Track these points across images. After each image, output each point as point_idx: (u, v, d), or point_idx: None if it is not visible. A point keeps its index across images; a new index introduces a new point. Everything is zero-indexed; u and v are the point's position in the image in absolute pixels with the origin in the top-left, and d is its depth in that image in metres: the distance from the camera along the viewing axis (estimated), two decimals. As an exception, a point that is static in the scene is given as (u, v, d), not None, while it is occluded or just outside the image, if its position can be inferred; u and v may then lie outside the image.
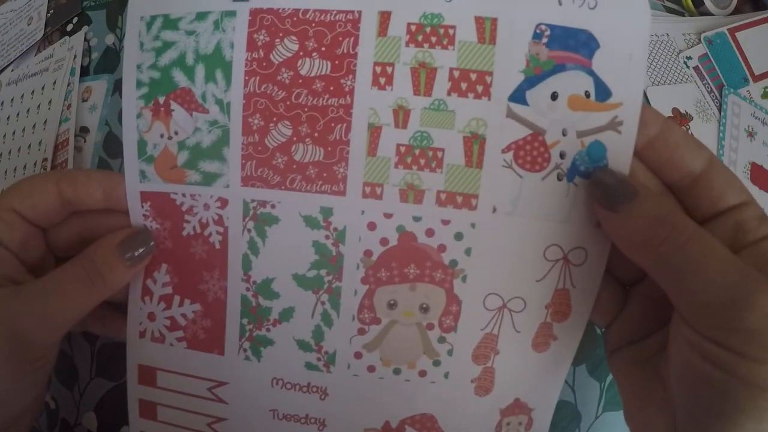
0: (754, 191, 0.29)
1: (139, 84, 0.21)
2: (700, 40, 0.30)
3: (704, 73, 0.29)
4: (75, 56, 0.29)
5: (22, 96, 0.31)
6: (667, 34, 0.30)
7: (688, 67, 0.29)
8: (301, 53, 0.20)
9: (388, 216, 0.21)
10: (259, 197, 0.21)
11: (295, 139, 0.21)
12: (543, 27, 0.18)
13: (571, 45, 0.18)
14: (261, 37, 0.20)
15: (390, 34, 0.19)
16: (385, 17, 0.19)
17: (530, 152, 0.19)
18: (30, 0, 0.34)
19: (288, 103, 0.20)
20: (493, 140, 0.19)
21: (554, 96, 0.19)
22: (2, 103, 0.33)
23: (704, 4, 0.31)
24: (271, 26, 0.20)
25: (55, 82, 0.29)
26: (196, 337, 0.23)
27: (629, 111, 0.18)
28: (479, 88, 0.19)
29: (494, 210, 0.20)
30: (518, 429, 0.23)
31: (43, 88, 0.30)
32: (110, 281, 0.21)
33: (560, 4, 0.18)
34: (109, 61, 0.29)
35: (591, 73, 0.18)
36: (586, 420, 0.25)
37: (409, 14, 0.19)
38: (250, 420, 0.23)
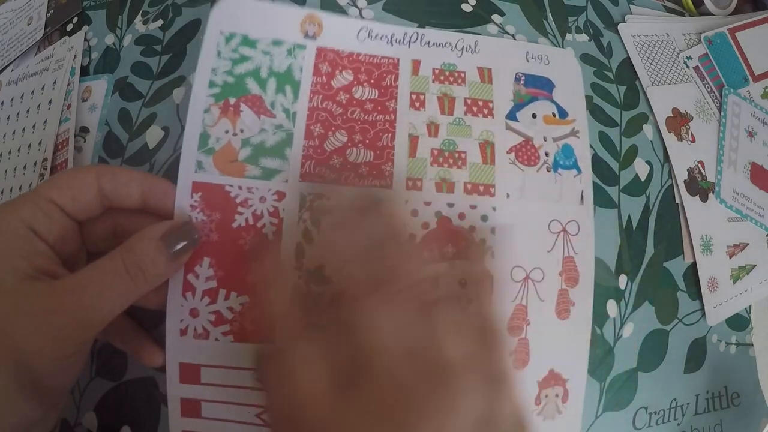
0: (754, 191, 0.29)
1: (212, 84, 0.25)
2: (700, 40, 0.29)
3: (704, 73, 0.28)
4: (75, 56, 0.29)
5: (22, 96, 0.30)
6: (667, 34, 0.29)
7: (688, 67, 0.28)
8: (355, 82, 0.26)
9: (427, 204, 0.25)
10: (316, 191, 0.25)
11: (349, 144, 0.25)
12: (519, 74, 0.28)
13: (538, 85, 0.28)
14: (324, 67, 0.26)
15: (421, 74, 0.27)
16: (416, 63, 0.27)
17: (525, 152, 0.27)
18: (30, 0, 0.33)
19: (344, 117, 0.26)
20: (499, 145, 0.27)
21: (534, 116, 0.27)
22: (2, 103, 0.31)
23: (704, 4, 0.30)
24: (332, 61, 0.26)
25: (55, 82, 0.29)
26: (243, 330, 0.22)
27: (580, 124, 0.28)
28: (485, 111, 0.27)
29: (508, 196, 0.26)
30: (555, 401, 0.25)
31: (43, 88, 0.29)
32: (151, 276, 0.20)
33: (528, 61, 0.28)
34: (109, 61, 0.29)
35: (553, 101, 0.28)
36: (586, 420, 0.27)
37: (433, 62, 0.27)
38: None
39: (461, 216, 0.25)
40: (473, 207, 0.25)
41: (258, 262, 0.23)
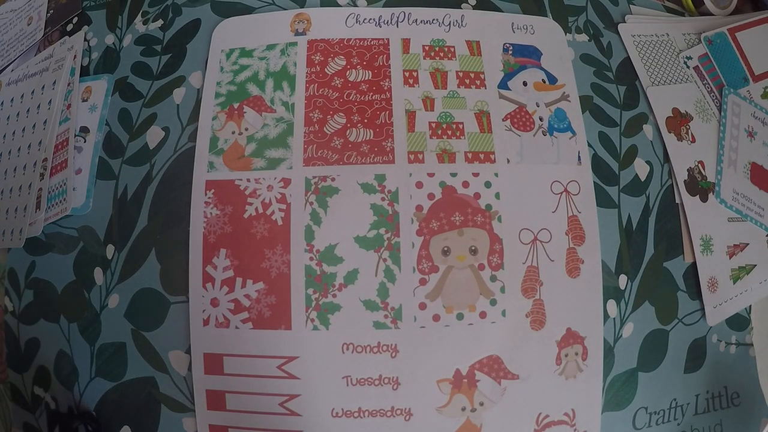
0: (754, 191, 0.28)
1: (217, 95, 0.26)
2: (700, 40, 0.29)
3: (704, 73, 0.28)
4: (75, 56, 0.29)
5: (22, 96, 0.30)
6: (667, 34, 0.29)
7: (688, 67, 0.28)
8: (348, 66, 0.27)
9: (431, 175, 0.26)
10: (320, 173, 0.25)
11: (348, 125, 0.26)
12: (507, 45, 0.29)
13: (526, 54, 0.29)
14: (317, 57, 0.27)
15: (411, 52, 0.28)
16: (406, 42, 0.28)
17: (520, 119, 0.27)
18: (30, 0, 0.33)
19: (341, 100, 0.26)
20: (494, 113, 0.27)
21: (525, 83, 0.28)
22: (2, 103, 0.31)
23: (704, 4, 0.30)
24: (324, 50, 0.27)
25: (55, 82, 0.29)
26: (261, 316, 0.23)
27: (570, 88, 0.28)
28: (477, 82, 0.28)
29: (508, 161, 0.27)
30: (576, 359, 0.25)
31: (43, 88, 0.29)
32: None
33: (513, 32, 0.29)
34: (109, 61, 0.28)
35: (542, 68, 0.29)
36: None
37: (423, 40, 0.28)
38: (324, 392, 0.22)
39: (465, 184, 0.26)
40: (476, 174, 0.26)
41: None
